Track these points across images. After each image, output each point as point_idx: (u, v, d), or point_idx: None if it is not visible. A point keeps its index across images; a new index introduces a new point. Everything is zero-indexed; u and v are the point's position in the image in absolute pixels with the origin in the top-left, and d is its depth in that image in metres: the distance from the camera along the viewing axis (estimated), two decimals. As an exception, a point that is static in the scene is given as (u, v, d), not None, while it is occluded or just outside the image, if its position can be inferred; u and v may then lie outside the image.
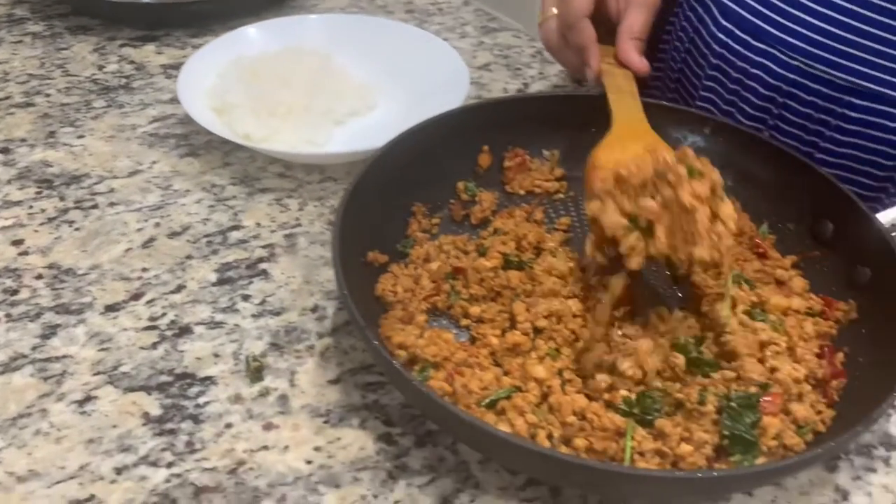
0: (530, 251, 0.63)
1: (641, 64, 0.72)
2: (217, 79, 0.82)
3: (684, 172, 0.52)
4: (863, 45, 0.70)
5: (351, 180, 0.61)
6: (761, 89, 0.77)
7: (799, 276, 0.62)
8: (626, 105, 0.68)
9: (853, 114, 0.72)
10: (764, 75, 0.77)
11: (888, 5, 0.68)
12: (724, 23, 0.81)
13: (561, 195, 0.71)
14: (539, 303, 0.55)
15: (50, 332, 0.59)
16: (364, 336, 0.50)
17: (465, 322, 0.58)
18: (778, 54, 0.75)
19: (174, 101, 0.84)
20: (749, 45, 0.78)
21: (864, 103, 0.71)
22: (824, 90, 0.73)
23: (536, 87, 0.89)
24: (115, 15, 0.96)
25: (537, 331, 0.54)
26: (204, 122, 0.73)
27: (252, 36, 0.87)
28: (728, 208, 0.53)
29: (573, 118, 0.72)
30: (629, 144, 0.64)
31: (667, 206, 0.52)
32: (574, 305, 0.55)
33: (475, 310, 0.57)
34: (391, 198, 0.65)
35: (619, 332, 0.53)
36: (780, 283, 0.61)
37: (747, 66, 0.78)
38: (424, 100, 0.81)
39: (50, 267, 0.64)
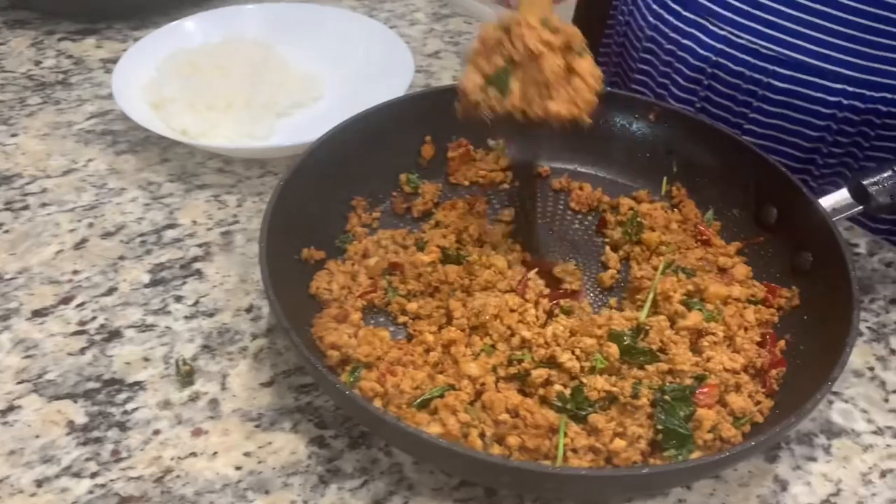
0: (471, 244, 0.61)
1: None
2: (155, 73, 0.79)
3: (533, 22, 0.51)
4: (788, 15, 0.70)
5: (283, 174, 0.59)
6: (692, 59, 0.78)
7: (742, 263, 0.61)
8: None
9: (779, 83, 0.73)
10: (694, 45, 0.78)
11: None
12: None
13: (506, 185, 0.69)
14: (475, 298, 0.54)
15: (-27, 340, 0.57)
16: (288, 337, 0.48)
17: (402, 319, 0.56)
18: (707, 25, 0.77)
19: (113, 96, 0.82)
20: (680, 15, 0.79)
21: (789, 73, 0.72)
22: (751, 60, 0.74)
23: (486, 75, 0.88)
24: (54, 8, 0.93)
25: (473, 327, 0.53)
26: (139, 118, 0.71)
27: (191, 28, 0.84)
28: (587, 64, 0.53)
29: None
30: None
31: (520, 61, 0.52)
32: (511, 300, 0.53)
33: (412, 306, 0.56)
34: (329, 191, 0.64)
35: (560, 328, 0.51)
36: (722, 270, 0.60)
37: (678, 38, 0.79)
38: (369, 89, 0.79)
39: (-24, 272, 0.62)
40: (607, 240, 0.64)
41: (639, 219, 0.63)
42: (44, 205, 0.68)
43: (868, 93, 0.69)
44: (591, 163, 0.70)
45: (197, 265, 0.63)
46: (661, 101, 0.68)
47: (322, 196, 0.63)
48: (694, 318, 0.53)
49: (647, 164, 0.69)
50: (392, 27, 0.94)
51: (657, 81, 0.87)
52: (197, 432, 0.52)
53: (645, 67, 0.87)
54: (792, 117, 0.74)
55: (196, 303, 0.60)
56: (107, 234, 0.66)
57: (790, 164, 0.75)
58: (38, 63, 0.87)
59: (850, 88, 0.69)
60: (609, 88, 0.74)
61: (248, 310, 0.60)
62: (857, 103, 0.70)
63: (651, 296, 0.55)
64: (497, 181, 0.70)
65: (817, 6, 0.68)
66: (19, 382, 0.54)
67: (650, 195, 0.67)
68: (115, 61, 0.86)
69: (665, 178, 0.68)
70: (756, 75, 0.74)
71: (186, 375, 0.55)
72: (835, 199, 0.59)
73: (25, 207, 0.68)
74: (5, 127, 0.77)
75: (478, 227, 0.62)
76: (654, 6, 0.83)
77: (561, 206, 0.68)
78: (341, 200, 0.65)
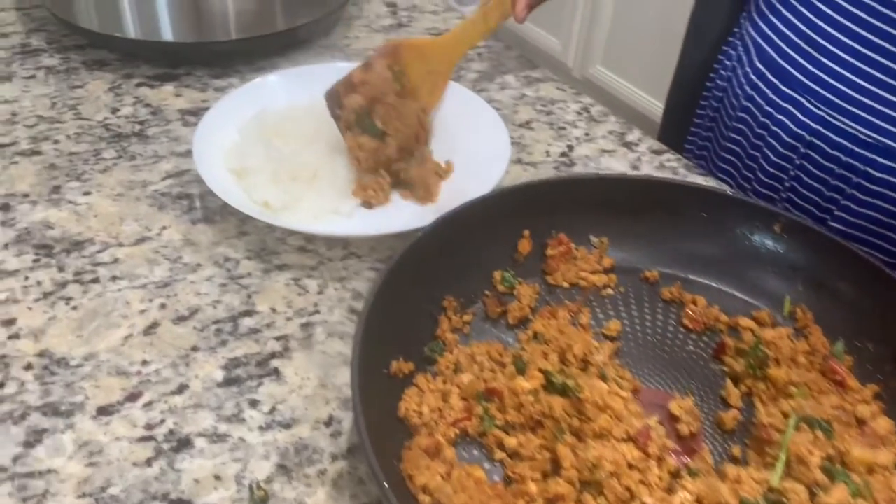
0: (576, 364, 0.56)
1: (521, 12, 0.79)
2: (237, 135, 0.75)
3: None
4: (890, 102, 0.64)
5: (377, 278, 0.54)
6: (784, 136, 0.74)
7: (881, 411, 0.54)
8: (464, 29, 0.80)
9: (876, 173, 0.68)
10: (788, 122, 0.74)
11: None
12: (757, 64, 0.79)
13: (610, 290, 0.64)
14: (588, 446, 0.48)
15: (35, 438, 0.53)
16: (379, 485, 0.43)
17: (499, 455, 0.51)
18: (804, 101, 0.73)
19: (191, 153, 0.78)
20: (777, 89, 0.75)
21: (889, 163, 0.65)
22: (848, 145, 0.69)
23: (582, 151, 0.82)
24: (134, 51, 0.90)
25: (585, 482, 0.47)
26: (220, 189, 0.67)
27: (276, 85, 0.80)
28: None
29: (625, 202, 0.65)
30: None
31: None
32: (630, 452, 0.47)
33: (511, 441, 0.51)
34: (421, 291, 0.59)
35: (687, 495, 0.45)
36: (860, 422, 0.53)
37: (773, 111, 0.76)
38: (462, 165, 0.74)
39: (41, 355, 0.58)
40: (727, 369, 0.58)
41: (762, 347, 0.57)
42: (114, 278, 0.64)
43: None
44: (704, 272, 0.64)
45: (274, 363, 0.59)
46: (786, 211, 0.62)
47: (414, 297, 0.58)
48: (838, 496, 0.46)
49: (769, 280, 0.63)
50: (481, 90, 0.89)
51: (748, 153, 0.83)
52: (270, 574, 0.47)
53: (737, 137, 0.84)
54: (888, 210, 0.69)
55: (272, 410, 0.55)
56: (180, 319, 0.61)
57: (883, 258, 0.70)
58: (114, 111, 0.84)
59: None
60: (730, 192, 0.68)
61: (328, 423, 0.55)
62: None
63: (783, 456, 0.49)
64: (600, 285, 0.64)
65: None
66: (80, 496, 0.50)
67: (772, 316, 0.61)
68: (194, 113, 0.83)
69: (788, 298, 0.62)
70: (852, 161, 0.69)
71: (261, 502, 0.50)
72: None
73: (95, 280, 0.64)
74: (78, 183, 0.74)
75: (583, 346, 0.56)
76: (753, 76, 0.80)
77: (672, 322, 0.61)
78: (432, 300, 0.60)
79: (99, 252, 0.67)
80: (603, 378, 0.54)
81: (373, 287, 0.53)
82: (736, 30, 0.87)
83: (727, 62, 0.86)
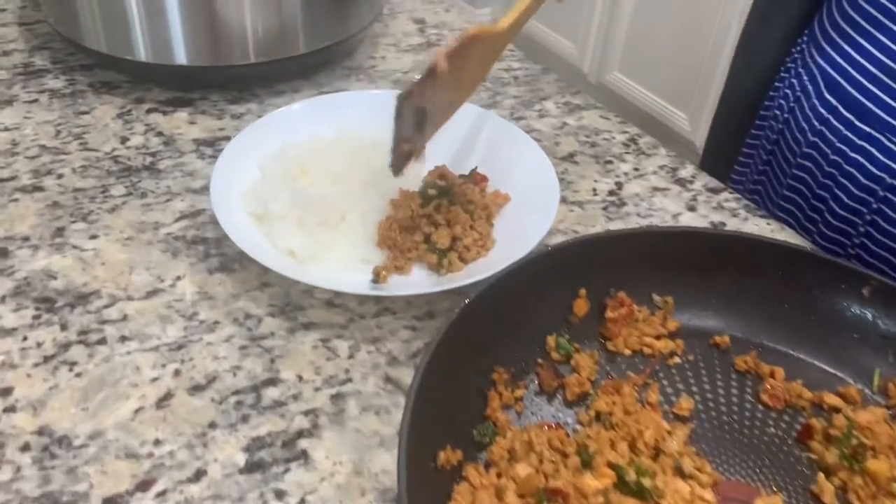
0: (647, 453, 0.49)
1: None
2: (258, 172, 0.69)
3: None
4: None
5: (423, 356, 0.47)
6: (860, 178, 0.67)
7: None
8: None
9: None
10: (865, 162, 0.67)
11: None
12: (828, 97, 0.71)
13: (677, 359, 0.57)
14: (671, 566, 0.41)
15: (32, 538, 0.46)
16: None
17: (566, 568, 0.44)
18: (883, 140, 0.66)
19: (206, 190, 0.71)
20: (852, 125, 0.68)
21: None
22: None
23: (632, 189, 0.75)
24: (144, 73, 0.83)
25: None
26: (240, 237, 0.60)
27: (299, 115, 0.74)
28: None
29: (692, 258, 0.59)
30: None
31: None
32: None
33: (579, 551, 0.44)
34: (468, 365, 0.52)
35: None
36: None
37: (846, 150, 0.69)
38: (505, 208, 0.68)
39: (41, 432, 0.52)
40: (815, 456, 0.51)
41: (856, 434, 0.50)
42: (123, 339, 0.58)
43: None
44: (782, 339, 0.57)
45: (302, 443, 0.52)
46: (879, 276, 0.55)
47: (462, 371, 0.51)
48: None
49: (856, 350, 0.56)
50: (519, 118, 0.83)
51: (814, 193, 0.76)
52: None
53: (801, 175, 0.77)
54: None
55: (301, 502, 0.49)
56: (196, 388, 0.55)
57: None
58: (124, 140, 0.77)
59: None
60: (810, 250, 0.61)
61: (366, 519, 0.48)
62: None
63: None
64: (666, 352, 0.57)
65: None
66: None
67: (861, 392, 0.54)
68: (210, 143, 0.76)
69: (878, 371, 0.55)
70: None
71: None
72: None
73: (102, 341, 0.58)
74: (84, 225, 0.67)
75: (655, 432, 0.50)
76: (821, 110, 0.73)
77: (749, 398, 0.55)
78: (480, 373, 0.53)
79: (106, 307, 0.60)
80: (680, 472, 0.47)
81: (418, 369, 0.47)
82: (795, 53, 0.80)
83: (788, 91, 0.79)
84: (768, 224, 0.72)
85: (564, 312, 0.58)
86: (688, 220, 0.72)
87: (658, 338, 0.58)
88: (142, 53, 0.78)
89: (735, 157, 0.91)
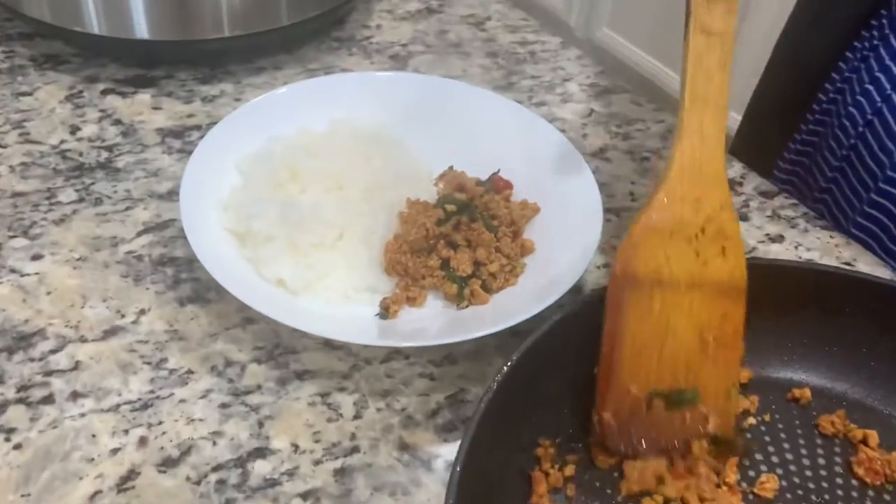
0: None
1: None
2: (238, 177, 0.57)
3: None
4: None
5: (464, 433, 0.37)
6: None
7: None
8: (705, 122, 0.42)
9: None
10: None
11: None
12: None
13: (752, 419, 0.47)
14: None
15: None
16: None
17: None
18: None
19: (174, 194, 0.60)
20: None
21: None
22: None
23: (674, 192, 0.65)
24: (98, 46, 0.70)
25: None
26: (215, 267, 0.48)
27: (285, 103, 0.61)
28: None
29: (764, 295, 0.48)
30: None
31: None
32: None
33: None
34: (509, 438, 0.42)
35: None
36: None
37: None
38: (534, 221, 0.57)
39: (-31, 530, 0.41)
40: (928, 551, 0.42)
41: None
42: (75, 395, 0.47)
43: None
44: (875, 392, 0.48)
45: (302, 539, 0.42)
46: None
47: (502, 447, 0.41)
48: None
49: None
50: (539, 104, 0.71)
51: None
52: None
53: (891, 190, 0.66)
54: None
55: None
56: (167, 463, 0.44)
57: None
58: (74, 130, 0.65)
59: None
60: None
61: None
62: None
63: None
64: (739, 411, 0.47)
65: None
66: None
67: (972, 464, 0.45)
68: (177, 134, 0.64)
69: None
70: None
71: None
72: None
73: (48, 399, 0.46)
74: (26, 242, 0.55)
75: (739, 527, 0.40)
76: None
77: (839, 471, 0.45)
78: (523, 448, 0.43)
79: (53, 352, 0.49)
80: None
81: (456, 460, 0.37)
82: (861, 52, 0.69)
83: (861, 98, 0.67)
84: (832, 237, 0.62)
85: (617, 363, 0.48)
86: (741, 232, 0.62)
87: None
88: (94, 24, 0.65)
89: (773, 157, 0.80)
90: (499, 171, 0.59)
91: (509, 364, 0.41)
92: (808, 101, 0.75)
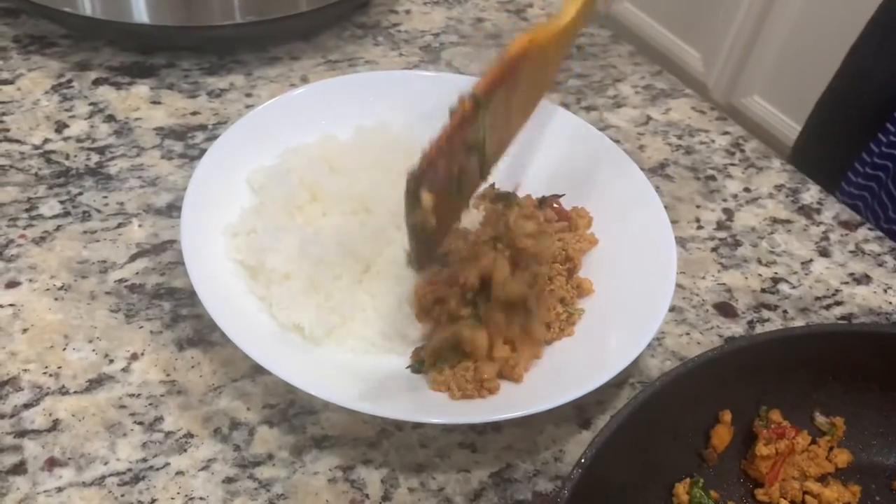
0: None
1: None
2: (249, 194, 0.49)
3: None
4: None
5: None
6: None
7: None
8: None
9: None
10: None
11: None
12: None
13: (853, 516, 0.40)
14: None
15: None
16: None
17: None
18: None
19: (175, 207, 0.52)
20: None
21: None
22: None
23: (746, 220, 0.57)
24: (91, 30, 0.62)
25: None
26: (220, 310, 0.41)
27: (305, 105, 0.53)
28: None
29: (869, 364, 0.41)
30: None
31: None
32: None
33: None
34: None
35: None
36: None
37: None
38: (590, 255, 0.49)
39: None
40: None
41: None
42: (52, 465, 0.39)
43: None
44: None
45: None
46: None
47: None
48: None
49: None
50: (588, 108, 0.63)
51: None
52: None
53: None
54: None
55: None
56: (159, 556, 0.37)
57: None
58: (60, 128, 0.56)
59: None
60: None
61: None
62: None
63: None
64: (834, 503, 0.40)
65: None
66: None
67: None
68: (179, 135, 0.56)
69: None
70: None
71: None
72: None
73: (20, 468, 0.39)
74: (1, 265, 0.47)
75: None
76: None
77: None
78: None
79: (28, 406, 0.41)
80: None
81: None
82: None
83: None
84: (928, 277, 0.55)
85: (698, 445, 0.40)
86: (820, 269, 0.54)
87: (824, 480, 0.41)
88: (86, 5, 0.57)
89: (836, 174, 0.73)
90: (554, 195, 0.51)
91: (583, 464, 0.33)
92: (883, 118, 0.68)
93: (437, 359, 0.43)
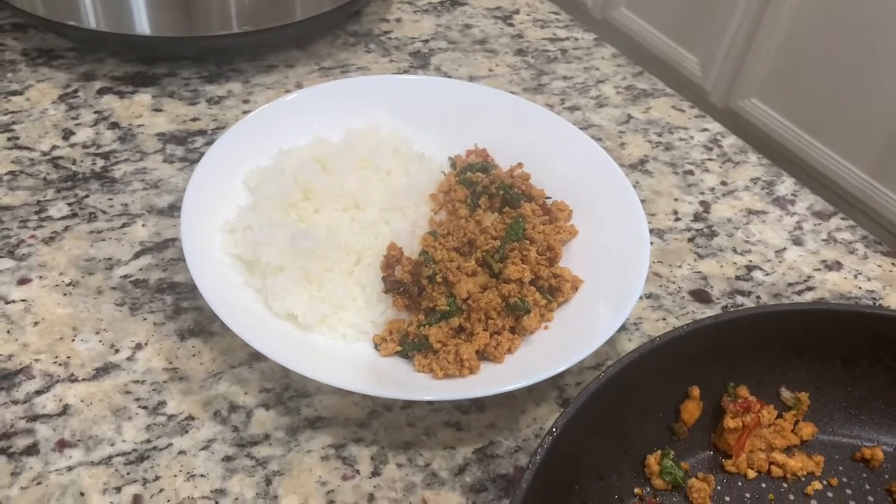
0: None
1: None
2: (246, 193, 0.52)
3: None
4: None
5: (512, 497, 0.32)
6: None
7: None
8: None
9: None
10: None
11: None
12: None
13: (817, 483, 0.42)
14: None
15: None
16: None
17: None
18: None
19: (175, 208, 0.55)
20: None
21: None
22: None
23: (722, 212, 0.59)
24: (95, 42, 0.65)
25: None
26: (218, 301, 0.43)
27: (298, 109, 0.56)
28: None
29: (833, 342, 0.44)
30: None
31: None
32: None
33: None
34: (556, 499, 0.37)
35: None
36: None
37: None
38: (569, 245, 0.52)
39: None
40: None
41: None
42: (62, 446, 0.42)
43: None
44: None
45: None
46: None
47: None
48: None
49: None
50: (572, 108, 0.66)
51: None
52: None
53: None
54: None
55: None
56: (162, 528, 0.39)
57: None
58: (67, 135, 0.59)
59: None
60: None
61: None
62: None
63: None
64: (802, 474, 0.42)
65: None
66: None
67: None
68: (180, 140, 0.59)
69: None
70: None
71: None
72: None
73: (32, 449, 0.42)
74: (11, 263, 0.50)
75: None
76: None
77: (920, 548, 0.40)
78: (562, 516, 0.38)
79: (39, 393, 0.44)
80: None
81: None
82: None
83: None
84: (894, 264, 0.57)
85: (669, 420, 0.43)
86: (794, 256, 0.57)
87: (790, 451, 0.43)
88: (91, 18, 0.60)
89: None
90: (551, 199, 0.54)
91: (554, 433, 0.36)
92: None
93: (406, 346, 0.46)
